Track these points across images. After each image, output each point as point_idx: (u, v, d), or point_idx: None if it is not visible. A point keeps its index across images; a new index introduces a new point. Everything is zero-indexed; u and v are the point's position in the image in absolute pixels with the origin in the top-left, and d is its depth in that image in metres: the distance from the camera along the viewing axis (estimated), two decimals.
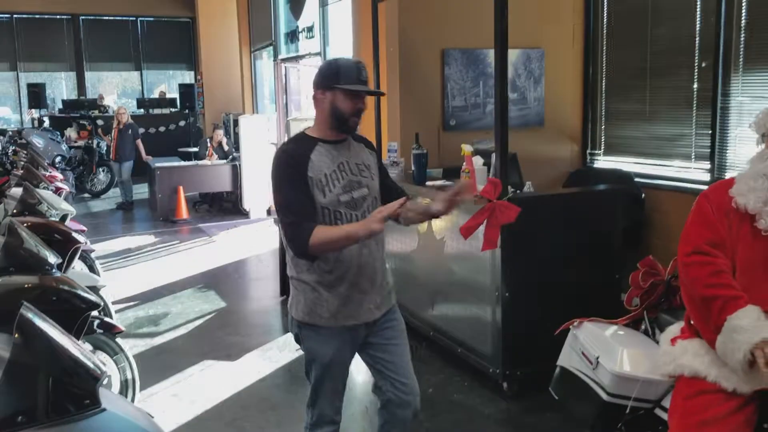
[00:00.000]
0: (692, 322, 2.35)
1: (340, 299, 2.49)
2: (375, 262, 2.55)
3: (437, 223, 4.61)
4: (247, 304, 6.33)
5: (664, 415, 2.46)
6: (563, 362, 3.06)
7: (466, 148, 4.16)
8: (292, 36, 9.41)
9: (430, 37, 5.65)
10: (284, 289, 6.07)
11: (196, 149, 11.61)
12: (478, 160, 4.24)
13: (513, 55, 5.89)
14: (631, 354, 2.68)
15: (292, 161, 2.45)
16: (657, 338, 2.77)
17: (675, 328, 2.48)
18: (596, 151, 6.19)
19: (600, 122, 6.12)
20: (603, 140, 6.14)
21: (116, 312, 5.26)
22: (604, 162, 6.11)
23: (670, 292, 2.64)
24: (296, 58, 9.50)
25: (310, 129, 2.58)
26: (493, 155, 3.94)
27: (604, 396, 2.70)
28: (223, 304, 6.11)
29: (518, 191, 4.24)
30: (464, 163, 4.20)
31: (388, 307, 2.67)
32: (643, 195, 5.31)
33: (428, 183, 4.70)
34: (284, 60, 9.87)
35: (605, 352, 2.76)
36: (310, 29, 8.55)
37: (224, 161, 10.55)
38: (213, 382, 4.41)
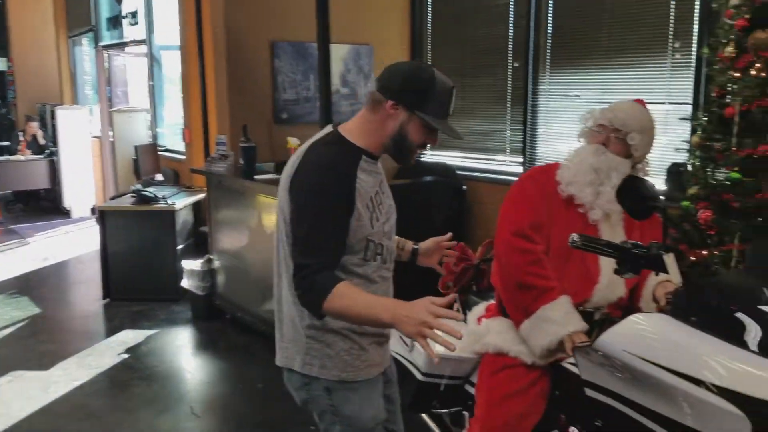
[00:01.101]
0: (501, 302, 2.50)
1: (377, 342, 2.06)
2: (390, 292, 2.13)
3: (266, 218, 4.58)
4: (64, 309, 5.90)
5: (473, 390, 2.61)
6: (393, 348, 3.16)
7: (293, 141, 4.17)
8: (115, 22, 8.87)
9: (259, 28, 5.58)
10: (107, 293, 5.76)
11: (7, 143, 10.63)
12: None
13: (343, 50, 6.01)
14: (443, 335, 2.82)
15: (342, 179, 1.84)
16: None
17: (481, 308, 2.64)
18: None
19: None
20: None
21: None
22: (430, 156, 6.37)
23: (478, 276, 2.81)
24: (120, 45, 8.98)
25: (347, 129, 1.95)
26: None
27: (419, 376, 2.82)
28: (37, 310, 5.65)
29: None
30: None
31: None
32: (464, 187, 5.61)
33: (257, 177, 4.65)
34: (106, 47, 9.29)
35: None
36: (134, 15, 8.11)
37: (40, 156, 9.76)
38: (22, 394, 4.07)
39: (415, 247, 2.41)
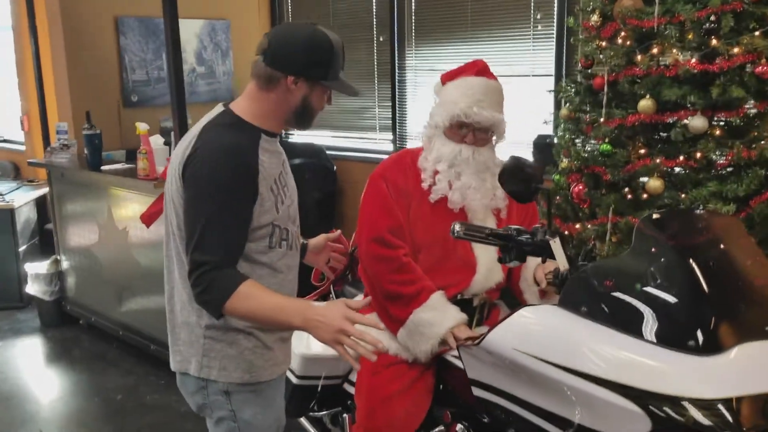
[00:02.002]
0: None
1: (281, 339, 1.90)
2: (295, 293, 1.97)
3: (118, 212, 4.14)
4: None
5: (352, 389, 2.43)
6: None
7: (141, 127, 3.76)
8: None
9: (100, 2, 5.03)
10: None
11: None
12: (157, 140, 3.87)
13: (197, 25, 5.57)
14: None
15: (242, 164, 1.67)
16: None
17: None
18: None
19: None
20: None
21: None
22: (298, 135, 6.10)
23: (354, 264, 2.61)
24: None
25: (241, 108, 1.78)
26: (172, 134, 3.61)
27: (294, 380, 2.60)
28: None
29: None
30: (141, 144, 3.80)
31: None
32: (335, 167, 5.40)
33: (104, 168, 4.19)
34: None
35: (295, 332, 2.66)
36: None
37: None
38: None
39: (305, 242, 2.22)
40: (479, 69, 2.20)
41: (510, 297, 2.44)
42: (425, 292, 2.12)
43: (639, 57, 2.57)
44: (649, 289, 1.53)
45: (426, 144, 2.24)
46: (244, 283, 1.65)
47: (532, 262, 2.16)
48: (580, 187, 2.81)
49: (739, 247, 1.67)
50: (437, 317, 2.10)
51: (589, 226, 2.77)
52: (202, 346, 1.82)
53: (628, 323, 1.46)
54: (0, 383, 4.04)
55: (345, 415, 2.59)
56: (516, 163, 1.64)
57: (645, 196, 2.58)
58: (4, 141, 6.88)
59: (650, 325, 1.46)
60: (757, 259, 1.65)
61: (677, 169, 2.55)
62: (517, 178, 1.63)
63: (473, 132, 2.15)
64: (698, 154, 2.49)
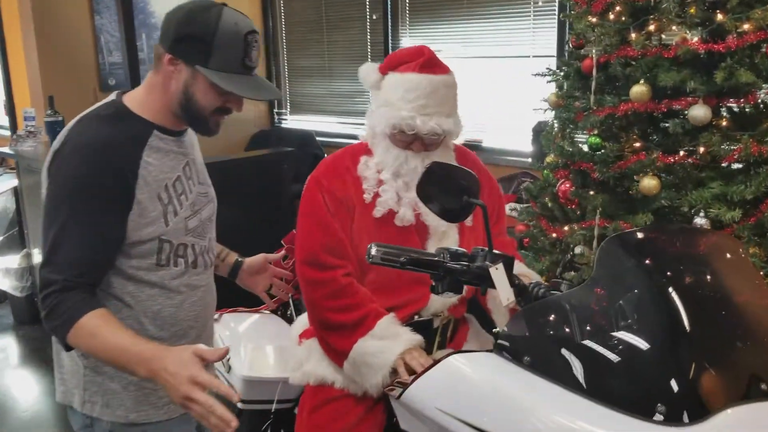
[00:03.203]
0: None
1: None
2: (209, 316, 1.74)
3: None
4: None
5: None
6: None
7: None
8: None
9: None
10: None
11: None
12: None
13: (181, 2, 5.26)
14: (262, 351, 2.31)
15: (112, 167, 1.40)
16: None
17: (304, 320, 2.12)
18: (282, 111, 5.85)
19: (284, 79, 5.76)
20: (288, 99, 5.81)
21: None
22: (291, 122, 5.80)
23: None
24: None
25: (132, 97, 1.53)
26: None
27: (238, 404, 2.31)
28: None
29: None
30: None
31: None
32: (325, 155, 5.08)
33: None
34: None
35: (236, 351, 2.36)
36: None
37: None
38: None
39: (240, 260, 1.93)
40: (423, 62, 1.79)
41: (481, 309, 2.11)
42: (370, 317, 1.79)
43: (633, 35, 2.20)
44: (615, 332, 1.20)
45: (368, 146, 1.90)
46: (91, 313, 1.36)
47: None
48: (567, 185, 2.47)
49: (735, 274, 1.33)
50: (386, 345, 1.76)
51: (576, 229, 2.42)
52: (83, 378, 1.56)
53: (583, 380, 1.13)
54: None
55: None
56: (441, 172, 1.30)
57: (638, 196, 2.23)
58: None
59: (613, 382, 1.13)
60: (758, 291, 1.31)
61: (676, 166, 2.18)
62: (443, 191, 1.29)
63: (420, 140, 1.79)
64: (701, 149, 2.13)
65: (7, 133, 6.01)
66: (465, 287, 1.37)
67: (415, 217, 1.82)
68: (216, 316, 2.61)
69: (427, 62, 1.79)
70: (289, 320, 2.56)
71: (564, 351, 1.19)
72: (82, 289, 1.39)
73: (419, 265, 1.33)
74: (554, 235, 2.56)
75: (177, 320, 1.60)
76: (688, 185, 2.15)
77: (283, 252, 2.04)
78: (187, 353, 1.27)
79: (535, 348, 1.18)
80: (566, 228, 2.50)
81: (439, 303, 1.89)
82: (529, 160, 3.76)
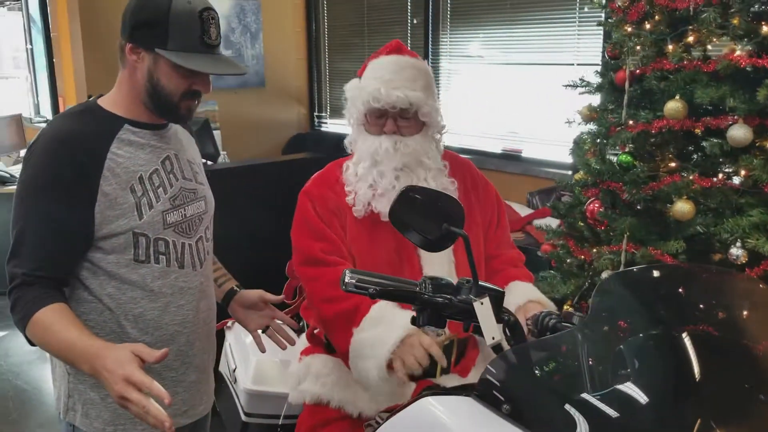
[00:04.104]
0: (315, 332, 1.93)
1: (171, 382, 1.59)
2: (204, 321, 1.68)
3: None
4: None
5: None
6: (222, 369, 2.57)
7: None
8: None
9: None
10: None
11: None
12: None
13: (225, 5, 5.26)
14: (269, 365, 2.25)
15: (74, 159, 1.40)
16: None
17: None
18: (323, 114, 5.80)
19: (324, 82, 5.72)
20: (328, 101, 5.76)
21: None
22: (331, 125, 5.75)
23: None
24: None
25: (106, 96, 1.55)
26: None
27: (242, 416, 2.25)
28: None
29: (208, 163, 3.72)
30: None
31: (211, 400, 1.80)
32: None
33: None
34: None
35: (242, 363, 2.31)
36: None
37: None
38: None
39: (235, 289, 1.84)
40: (391, 48, 1.80)
41: None
42: (365, 303, 1.65)
43: (670, 47, 2.04)
44: (611, 382, 1.06)
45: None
46: (47, 308, 1.35)
47: (516, 298, 1.71)
48: (596, 205, 2.31)
49: (755, 321, 1.18)
50: (380, 334, 1.59)
51: (604, 252, 2.26)
52: (67, 384, 1.56)
53: None
54: (10, 377, 3.90)
55: None
56: (416, 196, 1.18)
57: (671, 221, 2.06)
58: (47, 122, 6.87)
59: None
60: None
61: (713, 190, 2.01)
62: (420, 217, 1.17)
63: (393, 119, 1.73)
64: (741, 172, 1.95)
65: None
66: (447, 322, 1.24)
67: None
68: (229, 324, 2.56)
69: (395, 48, 1.81)
70: (300, 330, 2.49)
71: (550, 402, 1.06)
72: (42, 284, 1.38)
73: (393, 297, 1.21)
74: (582, 257, 2.41)
75: (161, 324, 1.55)
76: (726, 211, 1.97)
77: (281, 297, 1.94)
78: (125, 352, 1.25)
79: (517, 395, 1.05)
80: (594, 250, 2.34)
81: None
82: (570, 173, 3.60)
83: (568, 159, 3.70)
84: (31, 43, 7.13)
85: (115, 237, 1.46)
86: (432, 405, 1.11)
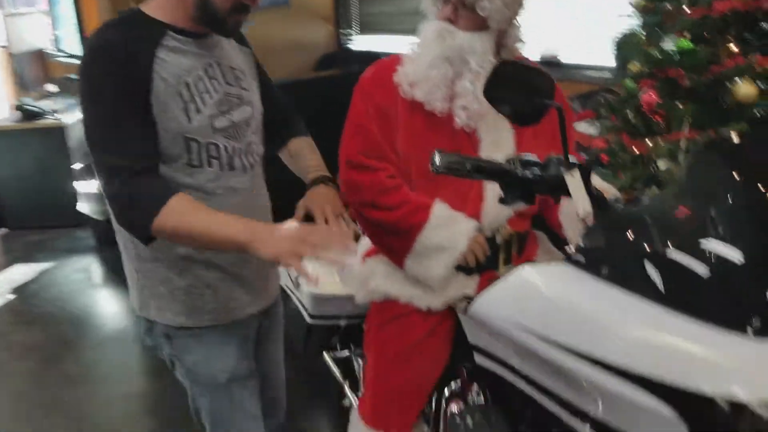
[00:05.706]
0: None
1: (233, 278, 1.66)
2: (267, 213, 1.76)
3: None
4: None
5: None
6: (283, 281, 2.64)
7: None
8: None
9: None
10: (2, 222, 5.13)
11: None
12: None
13: None
14: (329, 268, 2.30)
15: (119, 61, 1.41)
16: None
17: (368, 241, 2.07)
18: (350, 31, 5.69)
19: None
20: (358, 18, 5.64)
21: None
22: (360, 42, 5.65)
23: None
24: None
25: (149, 5, 1.53)
26: None
27: (307, 318, 2.33)
28: None
29: None
30: None
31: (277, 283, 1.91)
32: None
33: None
34: None
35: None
36: None
37: None
38: None
39: (318, 178, 1.83)
40: None
41: (549, 227, 1.98)
42: (421, 209, 1.70)
43: None
44: (703, 243, 1.08)
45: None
46: (179, 194, 1.40)
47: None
48: (652, 95, 2.28)
49: None
50: (447, 236, 1.69)
51: (661, 141, 2.24)
52: (137, 282, 1.65)
53: (668, 292, 1.04)
54: (53, 303, 4.04)
55: (361, 362, 2.31)
56: (510, 71, 1.18)
57: (732, 105, 2.03)
58: (72, 57, 6.81)
59: (699, 295, 1.03)
60: None
61: None
62: (513, 92, 1.17)
63: (454, 7, 1.67)
64: None
65: None
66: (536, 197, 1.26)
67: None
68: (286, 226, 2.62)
69: None
70: (356, 237, 2.54)
71: (646, 263, 1.08)
72: (151, 173, 1.43)
73: (487, 173, 1.23)
74: (636, 149, 2.39)
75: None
76: None
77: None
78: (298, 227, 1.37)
79: (613, 260, 1.08)
80: (650, 141, 2.32)
81: (494, 219, 1.79)
82: (610, 75, 3.53)
83: (607, 61, 3.66)
84: None
85: (169, 143, 1.48)
86: (530, 273, 1.15)
